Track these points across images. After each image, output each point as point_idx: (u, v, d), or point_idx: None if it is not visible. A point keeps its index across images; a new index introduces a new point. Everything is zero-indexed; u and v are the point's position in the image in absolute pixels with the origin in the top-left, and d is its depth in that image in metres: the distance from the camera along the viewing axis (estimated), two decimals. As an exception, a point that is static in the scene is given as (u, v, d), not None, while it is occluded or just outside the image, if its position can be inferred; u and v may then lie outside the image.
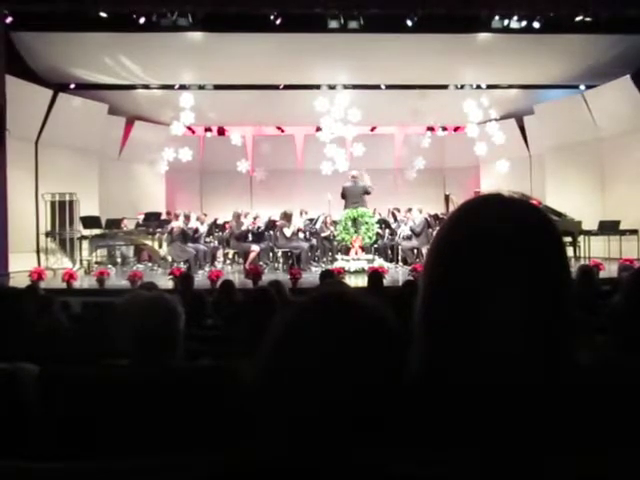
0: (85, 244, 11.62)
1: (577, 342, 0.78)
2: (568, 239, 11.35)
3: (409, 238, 11.30)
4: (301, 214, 12.11)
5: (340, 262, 10.54)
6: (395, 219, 12.49)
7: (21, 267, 9.60)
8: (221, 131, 15.91)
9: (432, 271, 0.79)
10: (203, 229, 11.41)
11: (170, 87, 13.21)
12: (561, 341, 0.75)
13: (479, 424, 0.70)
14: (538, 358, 0.73)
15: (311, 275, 9.54)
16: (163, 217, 12.63)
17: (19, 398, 1.64)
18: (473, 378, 0.72)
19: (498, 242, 0.74)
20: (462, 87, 13.56)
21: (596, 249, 11.42)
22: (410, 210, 11.78)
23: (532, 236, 0.75)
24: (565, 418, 0.71)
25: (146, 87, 13.29)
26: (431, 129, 15.54)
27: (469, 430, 0.70)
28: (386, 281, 7.24)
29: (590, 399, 0.74)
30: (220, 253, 12.46)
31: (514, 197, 0.80)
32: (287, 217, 10.97)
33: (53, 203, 11.72)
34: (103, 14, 10.02)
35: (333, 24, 10.73)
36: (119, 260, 12.15)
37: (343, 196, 11.16)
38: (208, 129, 15.71)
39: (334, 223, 11.58)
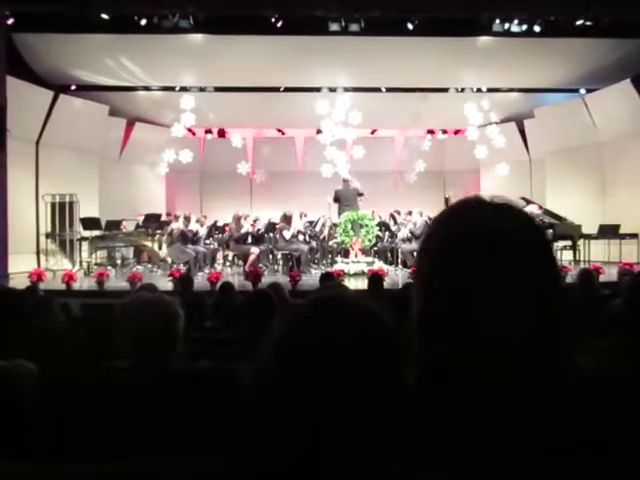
0: (85, 245, 11.61)
1: (573, 343, 0.79)
2: (568, 243, 11.38)
3: (409, 241, 11.31)
4: (301, 216, 12.12)
5: (340, 264, 10.55)
6: (395, 222, 12.51)
7: (21, 268, 9.60)
8: (221, 133, 15.92)
9: (420, 272, 0.80)
10: (203, 231, 11.42)
11: (171, 89, 13.23)
12: (554, 342, 0.75)
13: (475, 425, 0.70)
14: (530, 359, 0.73)
15: (311, 277, 9.54)
16: (163, 219, 12.62)
17: (16, 395, 1.64)
18: (467, 378, 0.72)
19: (484, 243, 0.74)
20: (463, 90, 13.59)
21: (596, 253, 11.42)
22: (410, 213, 11.80)
23: (517, 237, 0.76)
24: (562, 420, 0.71)
25: (147, 89, 13.31)
26: (431, 132, 15.56)
27: (467, 432, 0.70)
28: (386, 284, 7.24)
29: (587, 401, 0.74)
30: (220, 255, 12.46)
31: (497, 201, 0.80)
32: (287, 219, 10.98)
33: (53, 204, 11.72)
34: (104, 16, 10.04)
35: (334, 27, 10.73)
36: (119, 261, 12.15)
37: (336, 200, 11.32)
38: (209, 131, 15.73)
39: (334, 226, 11.62)
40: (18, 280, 8.86)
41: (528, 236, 0.77)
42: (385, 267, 10.37)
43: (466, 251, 0.74)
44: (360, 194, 11.44)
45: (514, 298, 0.72)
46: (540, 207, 11.85)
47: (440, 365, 0.74)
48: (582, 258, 11.32)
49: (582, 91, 13.08)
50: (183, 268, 10.10)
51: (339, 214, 11.34)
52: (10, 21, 10.13)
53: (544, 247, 0.78)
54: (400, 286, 6.84)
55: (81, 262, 11.46)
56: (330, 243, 11.83)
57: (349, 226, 10.74)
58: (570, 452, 0.69)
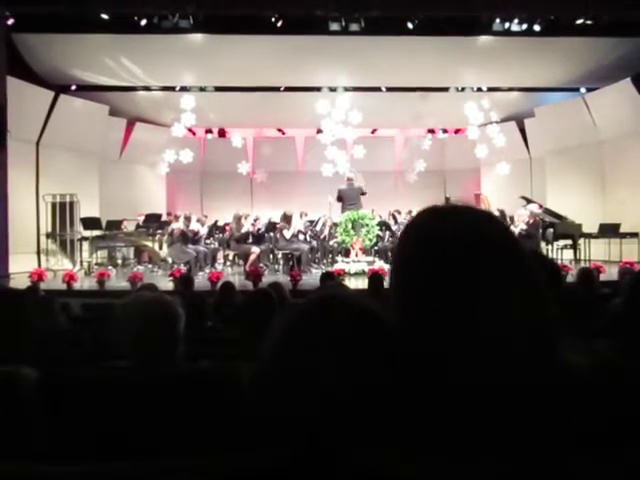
0: (85, 245, 11.62)
1: (571, 342, 0.79)
2: (568, 242, 11.38)
3: (409, 240, 11.27)
4: (301, 216, 12.12)
5: (340, 264, 10.55)
6: (395, 221, 12.51)
7: (21, 268, 9.60)
8: (222, 133, 15.93)
9: (410, 275, 0.80)
10: (203, 231, 11.41)
11: (171, 89, 13.25)
12: (552, 341, 0.75)
13: (475, 425, 0.70)
14: (529, 359, 0.73)
15: (311, 277, 9.54)
16: (163, 219, 12.63)
17: (16, 394, 1.64)
18: (466, 378, 0.72)
19: (479, 246, 0.75)
20: (463, 89, 13.59)
21: (596, 252, 11.42)
22: (410, 212, 11.79)
23: (506, 239, 0.76)
24: (561, 420, 0.71)
25: (147, 89, 13.32)
26: (432, 131, 15.56)
27: (466, 432, 0.70)
28: (386, 283, 7.23)
29: (586, 401, 0.74)
30: (220, 255, 12.46)
31: (462, 205, 0.81)
32: (287, 219, 10.98)
33: (54, 204, 11.73)
34: (104, 16, 10.04)
35: (334, 26, 10.74)
36: (119, 261, 12.15)
37: (339, 199, 11.30)
38: (209, 131, 15.74)
39: (334, 225, 11.62)
40: (19, 280, 8.86)
41: (513, 239, 0.78)
42: (386, 266, 10.35)
43: (463, 253, 0.74)
44: (363, 193, 11.43)
45: (512, 298, 0.73)
46: (540, 206, 11.85)
47: (438, 365, 0.74)
48: (582, 257, 11.33)
49: (582, 90, 13.08)
50: (184, 268, 10.10)
51: (342, 213, 11.31)
52: (10, 21, 10.14)
53: (513, 247, 0.79)
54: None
55: (82, 262, 11.47)
56: (331, 243, 11.83)
57: (350, 225, 10.73)
58: (569, 452, 0.69)
